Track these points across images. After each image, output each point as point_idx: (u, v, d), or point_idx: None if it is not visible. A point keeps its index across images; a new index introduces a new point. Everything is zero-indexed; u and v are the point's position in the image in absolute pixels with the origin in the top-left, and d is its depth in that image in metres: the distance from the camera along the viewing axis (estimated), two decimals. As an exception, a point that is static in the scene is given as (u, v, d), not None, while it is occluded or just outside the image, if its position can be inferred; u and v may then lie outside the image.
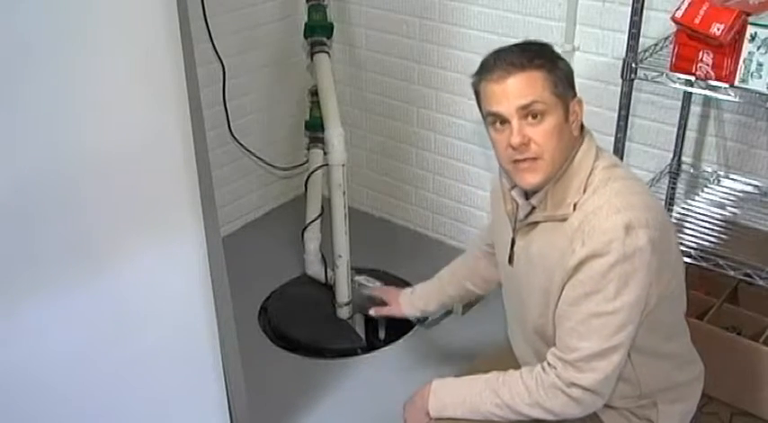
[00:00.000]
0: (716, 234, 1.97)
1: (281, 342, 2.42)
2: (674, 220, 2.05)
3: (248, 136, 2.83)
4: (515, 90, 1.34)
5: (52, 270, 1.27)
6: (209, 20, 2.45)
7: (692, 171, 2.18)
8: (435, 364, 2.27)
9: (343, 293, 2.42)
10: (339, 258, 2.36)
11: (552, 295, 1.42)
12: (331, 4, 2.69)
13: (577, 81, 1.43)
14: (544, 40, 1.46)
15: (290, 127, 2.99)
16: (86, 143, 1.24)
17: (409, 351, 2.37)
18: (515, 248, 1.51)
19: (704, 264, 1.85)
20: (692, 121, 2.13)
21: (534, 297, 1.47)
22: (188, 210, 1.44)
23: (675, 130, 2.14)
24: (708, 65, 1.68)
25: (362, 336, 2.41)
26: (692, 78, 1.71)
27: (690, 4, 1.65)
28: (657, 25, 2.01)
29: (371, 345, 2.39)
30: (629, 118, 1.91)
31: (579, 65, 2.18)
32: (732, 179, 2.12)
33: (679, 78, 1.74)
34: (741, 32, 1.61)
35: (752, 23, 1.60)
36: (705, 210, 2.07)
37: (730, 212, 2.04)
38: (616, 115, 1.91)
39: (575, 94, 1.41)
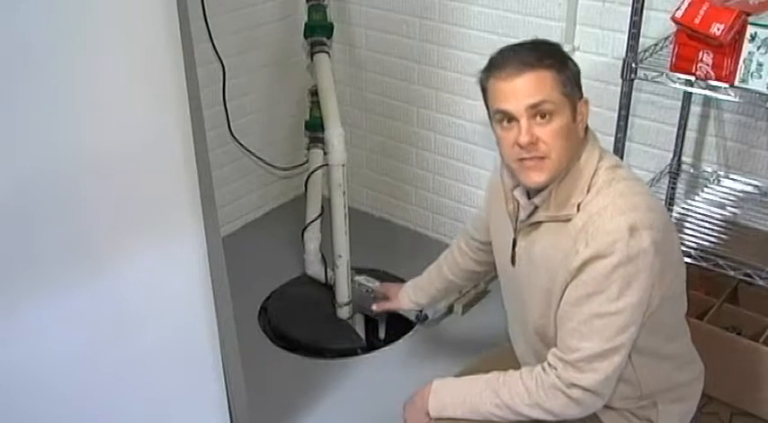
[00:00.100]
0: (716, 234, 1.97)
1: (281, 342, 2.42)
2: (674, 220, 2.05)
3: (248, 136, 2.83)
4: (525, 89, 1.34)
5: (52, 270, 1.27)
6: (209, 20, 2.45)
7: (692, 171, 2.18)
8: (435, 364, 2.27)
9: (343, 293, 2.42)
10: (339, 258, 2.36)
11: (554, 296, 1.42)
12: (331, 4, 2.69)
13: (578, 81, 1.43)
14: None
15: (290, 127, 2.99)
16: (86, 143, 1.24)
17: (409, 351, 2.37)
18: (517, 249, 1.51)
19: (704, 264, 1.85)
20: (692, 121, 2.13)
21: (536, 298, 1.47)
22: (188, 210, 1.44)
23: (675, 130, 2.14)
24: (708, 65, 1.68)
25: (362, 336, 2.41)
26: (692, 78, 1.71)
27: (690, 4, 1.65)
28: (657, 25, 2.01)
29: (371, 345, 2.39)
30: (629, 118, 1.91)
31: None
32: (732, 179, 2.12)
33: (679, 78, 1.74)
34: (741, 32, 1.61)
35: (752, 23, 1.60)
36: (705, 210, 2.07)
37: (730, 212, 2.04)
38: (616, 115, 1.91)
39: (581, 95, 1.41)
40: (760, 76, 1.62)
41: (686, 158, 2.19)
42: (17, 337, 1.26)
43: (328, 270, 2.53)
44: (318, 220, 2.63)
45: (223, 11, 2.56)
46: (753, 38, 1.60)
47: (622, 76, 1.83)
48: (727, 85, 1.67)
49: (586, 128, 1.44)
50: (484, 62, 1.44)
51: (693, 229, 2.00)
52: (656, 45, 1.88)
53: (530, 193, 1.46)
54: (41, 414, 1.35)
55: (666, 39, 1.88)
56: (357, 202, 3.03)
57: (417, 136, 2.77)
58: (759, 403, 1.99)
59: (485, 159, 2.62)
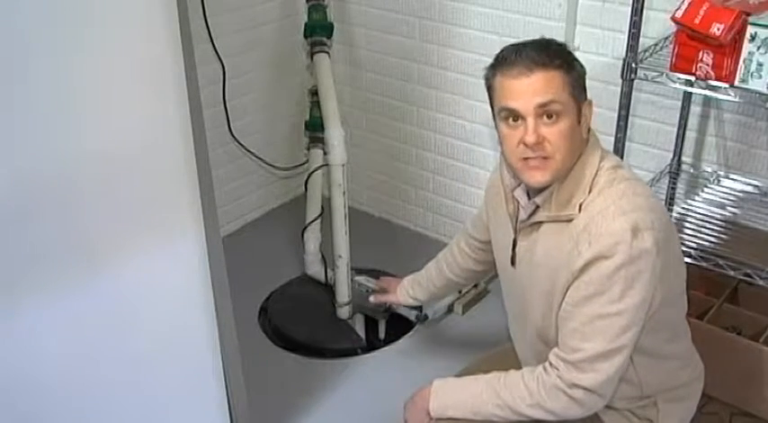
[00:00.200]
0: (716, 234, 1.97)
1: (281, 342, 2.42)
2: (674, 220, 2.05)
3: (248, 136, 2.83)
4: (535, 88, 1.33)
5: (52, 270, 1.27)
6: (209, 20, 2.45)
7: (692, 171, 2.18)
8: (435, 364, 2.27)
9: (343, 293, 2.42)
10: (339, 258, 2.36)
11: (555, 297, 1.41)
12: (331, 4, 2.69)
13: (578, 81, 1.43)
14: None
15: (290, 127, 2.99)
16: (86, 143, 1.24)
17: (409, 351, 2.37)
18: (517, 249, 1.51)
19: (704, 264, 1.84)
20: (692, 121, 2.13)
21: (536, 298, 1.47)
22: (188, 210, 1.44)
23: (675, 130, 2.14)
24: (708, 65, 1.68)
25: (362, 336, 2.41)
26: (692, 78, 1.71)
27: (690, 4, 1.65)
28: (657, 25, 2.01)
29: (371, 345, 2.39)
30: (629, 118, 1.91)
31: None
32: (732, 179, 2.12)
33: (679, 78, 1.74)
34: (741, 32, 1.61)
35: (752, 23, 1.60)
36: (705, 210, 2.07)
37: (730, 212, 2.04)
38: (616, 115, 1.91)
39: (586, 97, 1.41)
40: (760, 76, 1.62)
41: (686, 158, 2.19)
42: (17, 337, 1.26)
43: (328, 270, 2.53)
44: (318, 220, 2.63)
45: (223, 11, 2.56)
46: (753, 38, 1.60)
47: (622, 76, 1.83)
48: (727, 85, 1.67)
49: (588, 128, 1.43)
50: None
51: (693, 229, 2.00)
52: (656, 45, 1.88)
53: (530, 194, 1.46)
54: (41, 414, 1.36)
55: (666, 39, 1.88)
56: (357, 202, 3.03)
57: (417, 136, 2.77)
58: (759, 403, 1.99)
59: (485, 159, 2.62)
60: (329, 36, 2.61)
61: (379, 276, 2.46)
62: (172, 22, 1.29)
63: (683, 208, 2.11)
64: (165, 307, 1.48)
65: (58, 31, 1.15)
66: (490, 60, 1.43)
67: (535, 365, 1.46)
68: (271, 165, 2.96)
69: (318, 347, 2.38)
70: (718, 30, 1.60)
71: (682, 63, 1.72)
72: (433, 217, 2.88)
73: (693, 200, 2.12)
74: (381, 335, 2.41)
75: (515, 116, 1.36)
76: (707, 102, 2.09)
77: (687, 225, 2.03)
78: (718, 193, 2.10)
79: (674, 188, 2.18)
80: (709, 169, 2.16)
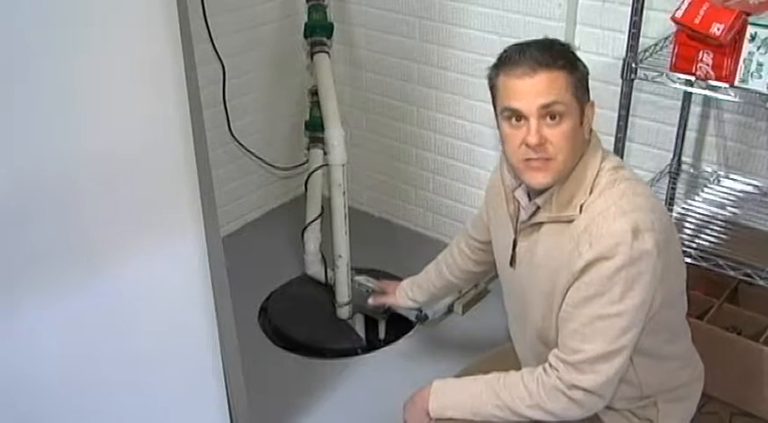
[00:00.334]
0: (716, 234, 1.97)
1: (281, 342, 2.42)
2: (674, 220, 2.05)
3: (248, 136, 2.83)
4: (539, 88, 1.33)
5: (52, 270, 1.27)
6: (209, 20, 2.45)
7: (692, 171, 2.18)
8: (435, 364, 2.27)
9: (343, 293, 2.42)
10: (339, 258, 2.36)
11: (556, 298, 1.41)
12: (331, 4, 2.69)
13: (578, 81, 1.43)
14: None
15: (290, 127, 2.99)
16: (86, 143, 1.24)
17: (409, 351, 2.37)
18: (518, 250, 1.51)
19: (704, 264, 1.84)
20: (692, 121, 2.13)
21: (536, 299, 1.47)
22: (188, 210, 1.44)
23: (675, 130, 2.14)
24: (708, 65, 1.68)
25: (362, 336, 2.41)
26: (692, 78, 1.71)
27: (690, 4, 1.65)
28: (657, 25, 2.01)
29: (371, 345, 2.39)
30: (629, 118, 1.91)
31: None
32: (732, 179, 2.12)
33: (679, 78, 1.74)
34: (741, 32, 1.61)
35: (752, 23, 1.60)
36: (705, 210, 2.07)
37: (730, 212, 2.03)
38: (616, 115, 1.91)
39: (589, 98, 1.41)
40: (760, 76, 1.62)
41: (686, 158, 2.19)
42: (17, 337, 1.26)
43: (328, 270, 2.53)
44: (318, 220, 2.63)
45: (223, 11, 2.56)
46: (753, 38, 1.60)
47: (622, 76, 1.83)
48: (727, 85, 1.67)
49: (590, 129, 1.43)
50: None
51: (693, 229, 2.00)
52: (656, 45, 1.88)
53: (531, 194, 1.46)
54: (41, 414, 1.36)
55: (666, 39, 1.88)
56: (357, 202, 3.03)
57: (417, 136, 2.77)
58: (759, 403, 1.99)
59: (485, 159, 2.62)
60: (329, 36, 2.61)
61: (379, 276, 2.47)
62: (172, 22, 1.29)
63: (683, 208, 2.11)
64: (165, 307, 1.48)
65: (58, 31, 1.15)
66: (490, 60, 1.43)
67: (535, 366, 1.46)
68: (271, 165, 2.96)
69: (318, 347, 2.38)
70: (719, 30, 1.60)
71: (682, 63, 1.72)
72: (433, 217, 2.88)
73: (693, 200, 2.12)
74: (381, 335, 2.41)
75: (518, 116, 1.35)
76: (707, 102, 2.09)
77: (687, 225, 2.03)
78: (718, 193, 2.10)
79: (674, 188, 2.18)
80: (709, 169, 2.16)
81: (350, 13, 2.72)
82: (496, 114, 1.41)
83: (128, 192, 1.33)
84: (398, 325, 2.43)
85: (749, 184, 2.09)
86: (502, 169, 1.54)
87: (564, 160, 1.36)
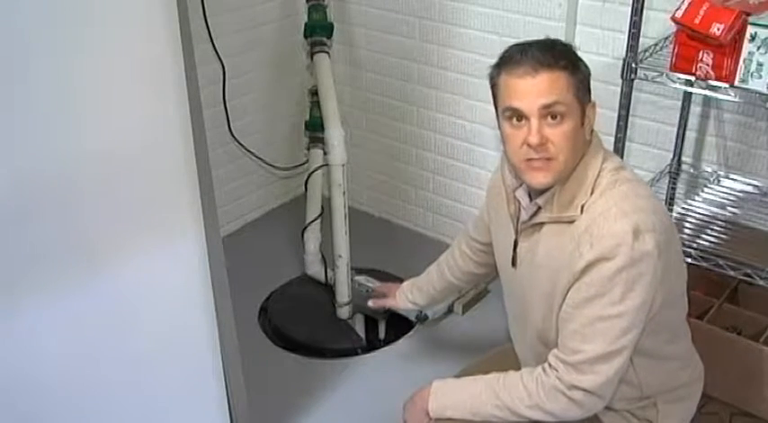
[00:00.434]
0: (716, 234, 1.97)
1: (281, 342, 2.42)
2: (674, 220, 2.05)
3: (248, 136, 2.83)
4: (540, 88, 1.33)
5: (52, 270, 1.27)
6: (209, 20, 2.45)
7: (692, 171, 2.18)
8: (435, 364, 2.27)
9: (343, 293, 2.42)
10: (339, 258, 2.36)
11: (556, 299, 1.41)
12: (331, 4, 2.69)
13: (578, 81, 1.43)
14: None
15: (290, 127, 2.99)
16: (86, 143, 1.24)
17: (409, 351, 2.37)
18: (519, 250, 1.51)
19: (704, 264, 1.84)
20: (692, 121, 2.13)
21: (537, 300, 1.47)
22: (188, 210, 1.44)
23: (675, 130, 2.14)
24: (708, 65, 1.68)
25: (362, 336, 2.41)
26: (692, 78, 1.71)
27: (690, 4, 1.65)
28: (657, 25, 2.01)
29: (371, 345, 2.39)
30: (629, 118, 1.91)
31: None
32: (732, 179, 2.12)
33: (679, 78, 1.74)
34: (741, 32, 1.61)
35: (752, 23, 1.60)
36: (705, 210, 2.07)
37: (730, 212, 2.03)
38: (616, 115, 1.91)
39: (590, 98, 1.41)
40: (760, 76, 1.62)
41: (686, 158, 2.19)
42: (17, 337, 1.26)
43: (328, 270, 2.53)
44: (318, 220, 2.63)
45: (223, 11, 2.56)
46: (753, 38, 1.60)
47: (622, 76, 1.83)
48: (727, 85, 1.67)
49: (591, 130, 1.43)
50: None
51: (693, 229, 2.00)
52: (656, 45, 1.88)
53: (532, 194, 1.45)
54: (41, 414, 1.36)
55: (666, 39, 1.88)
56: (357, 202, 3.03)
57: (417, 136, 2.77)
58: (759, 403, 1.99)
59: (485, 159, 2.62)
60: (329, 36, 2.61)
61: (378, 276, 2.47)
62: (172, 22, 1.29)
63: (683, 208, 2.11)
64: (165, 307, 1.48)
65: (58, 31, 1.15)
66: (490, 60, 1.43)
67: (535, 366, 1.46)
68: (271, 165, 2.96)
69: (318, 347, 2.38)
70: (719, 30, 1.60)
71: (682, 63, 1.72)
72: (433, 217, 2.88)
73: (693, 200, 2.12)
74: (381, 335, 2.41)
75: (519, 116, 1.35)
76: (707, 102, 2.09)
77: (687, 225, 2.03)
78: (719, 193, 2.10)
79: (674, 188, 2.18)
80: (709, 169, 2.16)
81: (350, 13, 2.72)
82: (497, 114, 1.41)
83: (128, 192, 1.33)
84: (398, 325, 2.43)
85: (749, 184, 2.09)
86: (503, 169, 1.54)
87: (565, 160, 1.36)
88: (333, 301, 2.46)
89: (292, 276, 2.70)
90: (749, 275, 1.80)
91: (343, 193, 2.28)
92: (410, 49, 2.63)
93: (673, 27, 1.73)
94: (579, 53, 1.41)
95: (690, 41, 1.68)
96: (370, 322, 2.44)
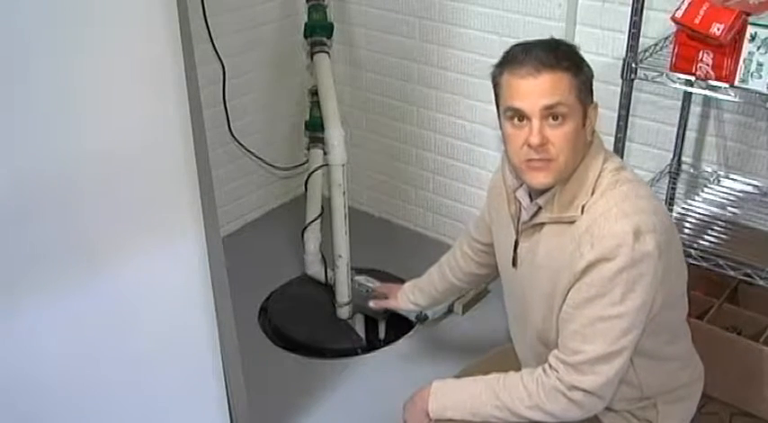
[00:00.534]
0: (716, 234, 1.97)
1: (281, 342, 2.42)
2: (674, 221, 2.05)
3: (248, 136, 2.83)
4: (542, 89, 1.32)
5: (52, 270, 1.27)
6: (209, 20, 2.45)
7: (692, 171, 2.18)
8: (435, 364, 2.27)
9: (343, 293, 2.42)
10: (339, 258, 2.36)
11: (556, 299, 1.41)
12: (331, 4, 2.69)
13: (579, 81, 1.43)
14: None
15: (290, 127, 2.99)
16: (86, 143, 1.24)
17: (409, 351, 2.37)
18: (519, 250, 1.51)
19: (704, 264, 1.84)
20: (692, 121, 2.13)
21: (537, 300, 1.47)
22: (188, 210, 1.44)
23: (675, 130, 2.14)
24: (708, 65, 1.68)
25: (362, 336, 2.41)
26: (692, 78, 1.71)
27: (690, 4, 1.65)
28: (657, 25, 2.01)
29: (371, 345, 2.39)
30: (629, 118, 1.91)
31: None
32: (732, 179, 2.12)
33: (679, 78, 1.74)
34: (741, 32, 1.61)
35: (752, 23, 1.60)
36: (705, 210, 2.07)
37: (730, 212, 2.03)
38: (616, 115, 1.91)
39: (592, 100, 1.41)
40: (760, 76, 1.62)
41: (686, 158, 2.19)
42: (17, 337, 1.26)
43: (328, 270, 2.53)
44: (318, 220, 2.62)
45: (223, 11, 2.56)
46: (753, 38, 1.60)
47: (622, 76, 1.83)
48: (727, 85, 1.67)
49: (593, 131, 1.43)
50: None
51: (693, 230, 2.00)
52: (656, 45, 1.88)
53: (532, 195, 1.45)
54: (41, 414, 1.35)
55: (666, 39, 1.88)
56: (357, 202, 3.03)
57: (417, 136, 2.77)
58: (759, 403, 1.99)
59: (485, 159, 2.62)
60: (329, 36, 2.61)
61: (378, 276, 2.47)
62: (172, 22, 1.29)
63: (683, 208, 2.11)
64: (165, 307, 1.48)
65: (58, 31, 1.15)
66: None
67: (535, 367, 1.45)
68: (271, 165, 2.96)
69: (318, 347, 2.38)
70: (719, 30, 1.60)
71: (682, 63, 1.72)
72: (433, 217, 2.88)
73: (693, 200, 2.12)
74: (381, 335, 2.41)
75: (520, 116, 1.35)
76: (707, 102, 2.09)
77: (687, 225, 2.03)
78: (719, 193, 2.10)
79: (674, 188, 2.18)
80: (709, 169, 2.16)
81: (350, 13, 2.72)
82: (499, 114, 1.41)
83: (128, 192, 1.33)
84: (398, 325, 2.43)
85: (749, 184, 2.09)
86: (504, 170, 1.54)
87: (565, 161, 1.36)
88: (333, 301, 2.46)
89: (292, 276, 2.70)
90: (749, 275, 1.80)
91: (343, 193, 2.28)
92: (410, 49, 2.63)
93: (673, 27, 1.72)
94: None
95: (690, 41, 1.68)
96: (370, 322, 2.44)
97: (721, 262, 1.82)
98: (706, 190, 2.13)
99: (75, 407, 1.40)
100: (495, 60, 1.41)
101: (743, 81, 1.64)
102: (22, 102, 1.14)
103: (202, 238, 1.48)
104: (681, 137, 2.14)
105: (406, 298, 1.99)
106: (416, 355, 2.35)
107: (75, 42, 1.18)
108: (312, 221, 2.62)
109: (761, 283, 1.79)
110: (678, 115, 2.12)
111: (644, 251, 1.30)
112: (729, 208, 2.05)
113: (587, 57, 1.91)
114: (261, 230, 2.97)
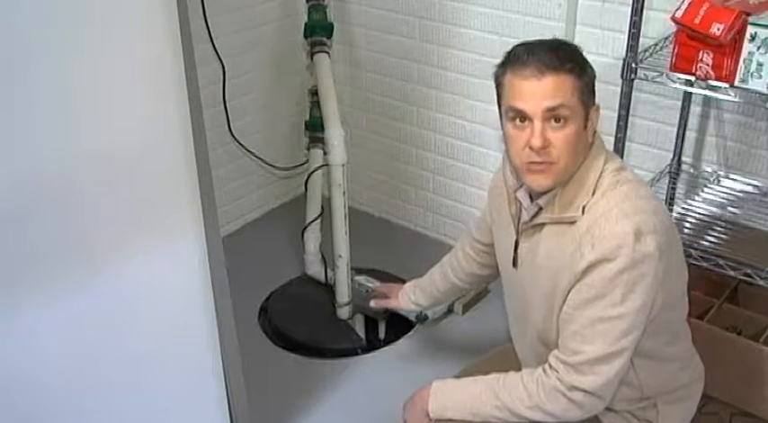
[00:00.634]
0: (716, 234, 1.97)
1: (281, 342, 2.42)
2: (675, 221, 2.05)
3: (248, 136, 2.83)
4: (545, 91, 1.32)
5: (52, 270, 1.27)
6: (209, 20, 2.45)
7: (692, 171, 2.18)
8: (435, 364, 2.27)
9: (343, 293, 2.42)
10: (339, 258, 2.36)
11: (557, 299, 1.41)
12: (331, 4, 2.69)
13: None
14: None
15: (290, 127, 2.99)
16: (86, 143, 1.24)
17: (409, 351, 2.37)
18: (519, 251, 1.51)
19: (704, 264, 1.84)
20: (692, 121, 2.13)
21: (538, 301, 1.47)
22: (188, 210, 1.44)
23: (675, 130, 2.14)
24: (708, 65, 1.68)
25: (362, 336, 2.41)
26: (692, 78, 1.71)
27: (690, 4, 1.65)
28: (657, 25, 2.01)
29: (371, 345, 2.39)
30: (629, 118, 1.91)
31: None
32: (732, 179, 2.12)
33: (679, 78, 1.74)
34: (741, 32, 1.61)
35: (752, 23, 1.60)
36: (705, 210, 2.07)
37: (730, 212, 2.03)
38: (616, 115, 1.91)
39: (594, 102, 1.40)
40: (760, 76, 1.62)
41: (686, 158, 2.19)
42: (17, 337, 1.26)
43: (328, 270, 2.53)
44: (318, 220, 2.62)
45: (223, 11, 2.56)
46: (753, 38, 1.60)
47: (622, 76, 1.83)
48: (727, 85, 1.67)
49: (594, 132, 1.43)
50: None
51: (693, 230, 2.00)
52: (656, 45, 1.88)
53: (533, 195, 1.45)
54: (41, 414, 1.35)
55: (666, 39, 1.88)
56: (357, 202, 3.03)
57: (417, 136, 2.77)
58: (759, 403, 1.99)
59: (485, 159, 2.62)
60: (329, 36, 2.61)
61: (378, 276, 2.47)
62: (172, 22, 1.29)
63: (683, 208, 2.11)
64: (165, 307, 1.48)
65: (58, 31, 1.15)
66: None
67: (535, 367, 1.46)
68: (271, 165, 2.96)
69: (318, 347, 2.38)
70: (719, 30, 1.60)
71: (682, 63, 1.72)
72: (433, 217, 2.88)
73: (693, 200, 2.12)
74: (381, 335, 2.41)
75: (522, 117, 1.35)
76: (707, 102, 2.09)
77: (687, 225, 2.03)
78: (719, 193, 2.10)
79: (674, 188, 2.18)
80: (709, 169, 2.16)
81: (350, 13, 2.72)
82: (501, 114, 1.41)
83: (128, 192, 1.33)
84: (398, 325, 2.43)
85: (749, 184, 2.09)
86: (504, 170, 1.54)
87: (566, 164, 1.36)
88: (333, 301, 2.46)
89: (292, 276, 2.69)
90: (749, 275, 1.80)
91: (343, 193, 2.28)
92: (410, 49, 2.63)
93: (673, 27, 1.72)
94: (581, 54, 1.41)
95: (690, 41, 1.68)
96: (370, 322, 2.44)
97: (721, 262, 1.82)
98: (706, 190, 2.13)
99: (75, 407, 1.40)
100: (496, 60, 1.41)
101: (743, 81, 1.64)
102: (22, 102, 1.14)
103: (202, 238, 1.48)
104: (681, 137, 2.14)
105: (407, 298, 1.99)
106: (416, 355, 2.35)
107: (75, 42, 1.18)
108: (312, 221, 2.62)
109: (761, 283, 1.79)
110: (678, 115, 2.12)
111: (645, 252, 1.30)
112: (729, 208, 2.05)
113: (587, 57, 1.92)
114: (261, 230, 2.97)
